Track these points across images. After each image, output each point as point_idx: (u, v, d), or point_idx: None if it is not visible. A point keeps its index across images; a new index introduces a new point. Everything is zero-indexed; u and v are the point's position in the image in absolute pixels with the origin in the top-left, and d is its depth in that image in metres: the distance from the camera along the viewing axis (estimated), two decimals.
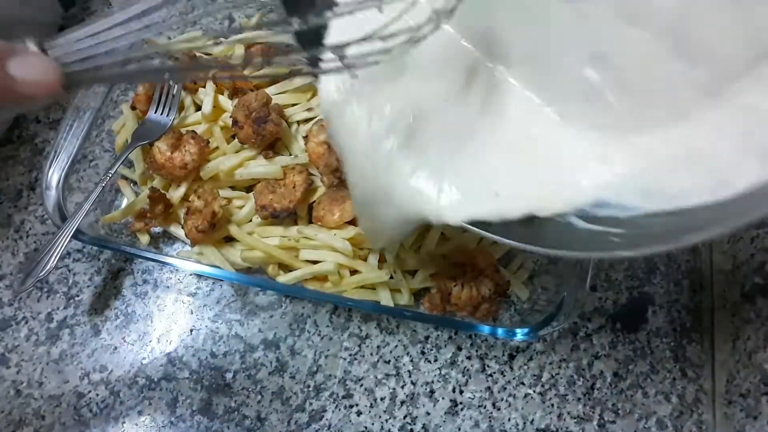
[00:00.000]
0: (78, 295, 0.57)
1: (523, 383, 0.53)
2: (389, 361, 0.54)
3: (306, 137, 0.58)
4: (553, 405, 0.53)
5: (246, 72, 0.29)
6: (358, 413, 0.52)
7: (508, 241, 0.34)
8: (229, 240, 0.56)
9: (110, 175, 0.55)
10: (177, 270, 0.57)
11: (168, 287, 0.57)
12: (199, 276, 0.57)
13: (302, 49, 0.35)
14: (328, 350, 0.54)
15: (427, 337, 0.55)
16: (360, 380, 0.53)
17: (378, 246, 0.50)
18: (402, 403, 0.52)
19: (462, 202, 0.35)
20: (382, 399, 0.53)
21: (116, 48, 0.29)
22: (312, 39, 0.35)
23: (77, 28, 0.29)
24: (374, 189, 0.37)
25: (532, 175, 0.34)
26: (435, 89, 0.37)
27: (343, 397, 0.53)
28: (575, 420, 0.52)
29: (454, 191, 0.35)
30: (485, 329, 0.50)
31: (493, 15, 0.36)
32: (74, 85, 0.29)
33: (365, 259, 0.54)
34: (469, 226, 0.35)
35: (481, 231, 0.34)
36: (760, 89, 0.28)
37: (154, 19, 0.29)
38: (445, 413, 0.52)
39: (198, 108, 0.63)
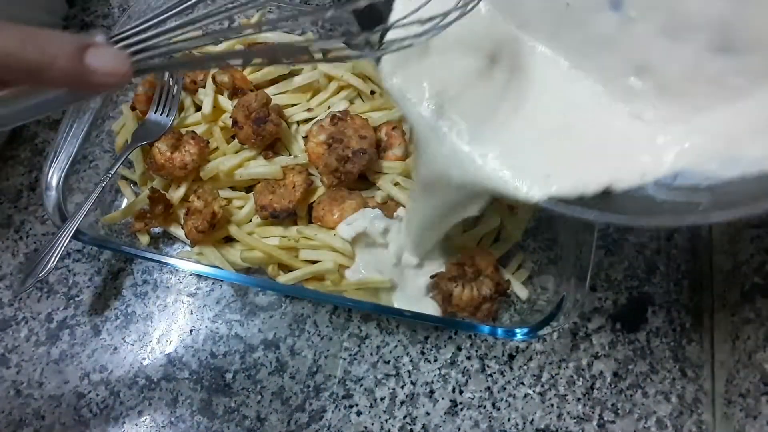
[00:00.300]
0: (78, 296, 0.57)
1: (522, 383, 0.53)
2: (389, 361, 0.54)
3: (306, 137, 0.58)
4: (552, 405, 0.53)
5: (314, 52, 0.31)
6: (358, 413, 0.52)
7: (589, 216, 0.35)
8: (229, 240, 0.56)
9: (110, 176, 0.55)
10: (177, 270, 0.57)
11: (168, 287, 0.57)
12: (199, 276, 0.57)
13: (361, 30, 0.39)
14: (328, 350, 0.54)
15: (427, 337, 0.55)
16: (360, 380, 0.53)
17: (421, 249, 0.52)
18: (402, 403, 0.52)
19: (539, 181, 0.36)
20: (382, 399, 0.53)
21: (177, 36, 0.31)
22: (371, 19, 0.38)
23: (139, 19, 0.31)
24: (440, 172, 0.40)
25: (602, 152, 0.36)
26: (470, 65, 0.39)
27: (343, 397, 0.53)
28: (575, 420, 0.52)
29: (530, 170, 0.37)
30: (485, 329, 0.50)
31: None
32: (142, 72, 0.31)
33: None
34: (548, 205, 0.36)
35: (560, 209, 0.36)
36: None
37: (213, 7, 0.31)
38: (445, 413, 0.52)
39: (198, 108, 0.63)
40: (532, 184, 0.36)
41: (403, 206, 0.56)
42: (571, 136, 0.37)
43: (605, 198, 0.35)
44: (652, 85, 0.35)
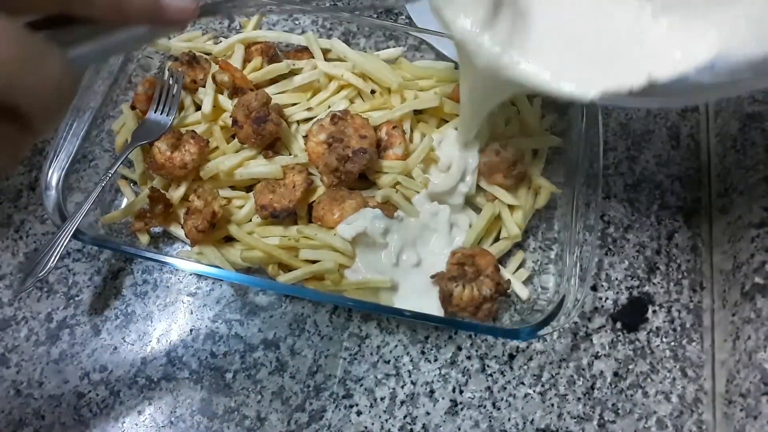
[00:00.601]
0: (78, 295, 0.57)
1: (523, 383, 0.53)
2: (389, 361, 0.54)
3: (306, 137, 0.58)
4: (553, 405, 0.53)
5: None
6: (358, 413, 0.52)
7: (647, 104, 0.40)
8: (229, 240, 0.56)
9: (110, 175, 0.55)
10: (177, 270, 0.57)
11: (168, 287, 0.57)
12: (199, 276, 0.57)
13: None
14: (328, 350, 0.54)
15: (427, 337, 0.55)
16: (360, 380, 0.53)
17: (470, 130, 0.56)
18: (402, 403, 0.52)
19: (589, 80, 0.40)
20: (382, 399, 0.53)
21: None
22: None
23: None
24: (488, 78, 0.45)
25: (646, 50, 0.39)
26: None
27: (343, 397, 0.53)
28: (575, 420, 0.52)
29: (578, 72, 0.41)
30: (485, 329, 0.50)
31: None
32: (206, 14, 0.34)
33: None
34: (604, 102, 0.40)
35: (617, 102, 0.40)
36: None
37: None
38: (445, 413, 0.52)
39: (198, 108, 0.63)
40: (583, 85, 0.40)
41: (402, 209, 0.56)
42: (608, 37, 0.41)
43: (653, 89, 0.38)
44: None
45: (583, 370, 0.54)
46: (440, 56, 0.68)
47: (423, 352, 0.54)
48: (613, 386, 0.54)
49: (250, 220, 0.57)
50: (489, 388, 0.53)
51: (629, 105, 0.39)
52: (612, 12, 0.41)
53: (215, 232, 0.54)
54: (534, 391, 0.53)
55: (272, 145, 0.59)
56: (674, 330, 0.56)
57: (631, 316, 0.57)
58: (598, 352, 0.55)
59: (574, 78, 0.40)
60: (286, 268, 0.55)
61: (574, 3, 0.42)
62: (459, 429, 0.52)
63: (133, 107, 0.62)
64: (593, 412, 0.53)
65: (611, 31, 0.41)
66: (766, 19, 0.34)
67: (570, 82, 0.40)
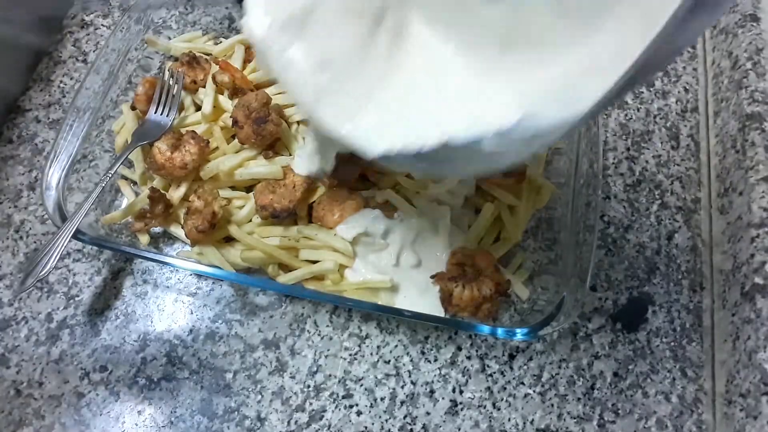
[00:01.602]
0: (78, 295, 0.57)
1: (523, 383, 0.53)
2: (389, 361, 0.54)
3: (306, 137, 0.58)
4: (553, 405, 0.53)
5: None
6: (358, 413, 0.52)
7: (416, 168, 0.37)
8: (229, 240, 0.56)
9: (110, 175, 0.55)
10: (177, 270, 0.57)
11: (168, 287, 0.57)
12: (199, 276, 0.57)
13: None
14: (328, 350, 0.54)
15: (427, 337, 0.55)
16: (360, 380, 0.53)
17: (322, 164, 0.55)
18: (402, 403, 0.52)
19: (382, 135, 0.38)
20: (382, 399, 0.53)
21: None
22: None
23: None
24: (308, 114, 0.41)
25: (445, 108, 0.37)
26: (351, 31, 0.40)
27: (343, 397, 0.53)
28: (575, 420, 0.52)
29: (373, 124, 0.38)
30: (485, 329, 0.50)
31: None
32: None
33: None
34: (383, 159, 0.38)
35: (393, 161, 0.37)
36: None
37: None
38: (445, 413, 0.52)
39: (198, 108, 0.63)
40: (374, 139, 0.38)
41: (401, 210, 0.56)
42: (419, 93, 0.39)
43: (443, 150, 0.35)
44: (498, 45, 0.36)
45: (583, 370, 0.54)
46: None
47: (423, 352, 0.54)
48: (613, 386, 0.54)
49: (250, 221, 0.57)
50: (489, 388, 0.53)
51: (419, 169, 0.39)
52: (419, 65, 0.39)
53: (215, 232, 0.54)
54: (534, 391, 0.53)
55: (272, 145, 0.59)
56: (674, 330, 0.56)
57: (631, 316, 0.57)
58: (598, 352, 0.55)
59: (364, 129, 0.38)
60: (286, 268, 0.55)
61: (378, 54, 0.40)
62: (459, 429, 0.52)
63: (133, 107, 0.62)
64: (593, 412, 0.53)
65: (415, 85, 0.39)
66: (573, 83, 0.32)
67: (358, 131, 0.38)
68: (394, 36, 0.40)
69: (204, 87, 0.62)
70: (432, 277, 0.53)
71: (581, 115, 0.30)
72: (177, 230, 0.57)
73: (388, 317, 0.55)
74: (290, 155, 0.59)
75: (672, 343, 0.56)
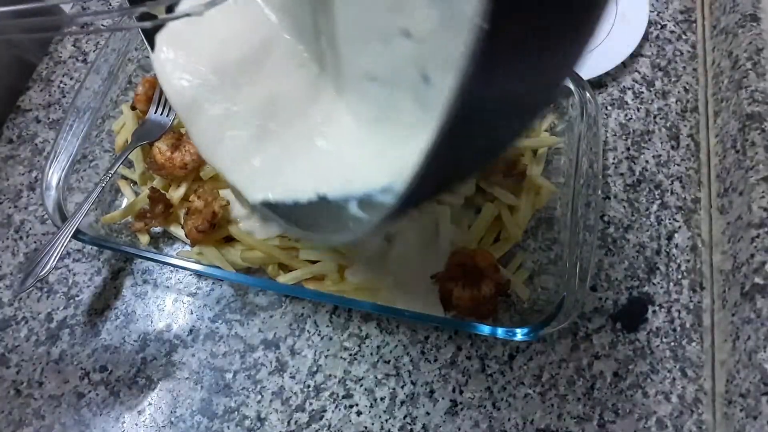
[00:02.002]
0: (78, 295, 0.57)
1: (523, 383, 0.53)
2: (389, 361, 0.54)
3: None
4: (553, 405, 0.53)
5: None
6: (358, 413, 0.52)
7: (289, 226, 0.38)
8: (229, 240, 0.56)
9: (110, 175, 0.55)
10: (177, 270, 0.57)
11: (168, 287, 0.57)
12: (199, 276, 0.57)
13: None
14: (328, 350, 0.54)
15: (427, 337, 0.55)
16: (360, 380, 0.53)
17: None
18: (402, 403, 0.52)
19: (264, 185, 0.40)
20: (382, 399, 0.53)
21: None
22: None
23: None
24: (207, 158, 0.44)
25: (325, 169, 0.39)
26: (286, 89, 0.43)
27: (343, 397, 0.53)
28: (575, 420, 0.52)
29: (258, 174, 0.41)
30: (485, 329, 0.50)
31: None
32: None
33: None
34: (263, 207, 0.40)
35: (270, 213, 0.39)
36: None
37: None
38: (445, 413, 0.52)
39: None
40: (257, 187, 0.40)
41: None
42: (305, 152, 0.41)
43: (315, 208, 0.37)
44: (376, 119, 0.39)
45: (583, 370, 0.54)
46: None
47: (423, 352, 0.54)
48: (613, 386, 0.54)
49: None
50: (489, 388, 0.53)
51: (291, 232, 0.42)
52: (316, 126, 0.41)
53: (215, 232, 0.54)
54: (534, 392, 0.53)
55: None
56: (674, 330, 0.56)
57: (631, 316, 0.57)
58: (598, 352, 0.55)
59: (249, 177, 0.41)
60: (286, 268, 0.55)
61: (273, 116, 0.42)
62: (459, 429, 0.52)
63: (133, 107, 0.62)
64: (593, 413, 0.53)
65: (305, 145, 0.41)
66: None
67: (243, 178, 0.41)
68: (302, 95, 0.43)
69: None
70: (432, 277, 0.53)
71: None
72: (177, 230, 0.57)
73: (388, 317, 0.55)
74: None
75: (672, 343, 0.56)
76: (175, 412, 0.52)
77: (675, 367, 0.55)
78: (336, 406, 0.52)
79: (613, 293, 0.58)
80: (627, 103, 0.69)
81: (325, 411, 0.52)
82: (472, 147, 0.25)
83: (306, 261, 0.54)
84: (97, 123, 0.59)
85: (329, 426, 0.52)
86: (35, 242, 0.59)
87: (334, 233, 0.36)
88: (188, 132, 0.44)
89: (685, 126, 0.68)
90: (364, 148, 0.39)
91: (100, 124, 0.60)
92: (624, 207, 0.62)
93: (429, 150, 0.22)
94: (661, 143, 0.67)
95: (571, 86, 0.61)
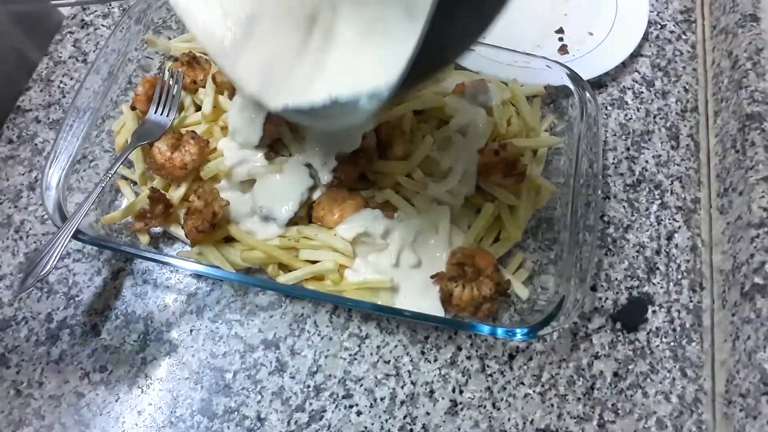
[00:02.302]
0: (78, 295, 0.57)
1: (523, 383, 0.53)
2: (389, 361, 0.54)
3: (305, 137, 0.58)
4: (553, 405, 0.53)
5: None
6: (358, 413, 0.52)
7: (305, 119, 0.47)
8: (229, 240, 0.56)
9: (110, 176, 0.55)
10: (177, 270, 0.57)
11: (168, 287, 0.57)
12: (199, 276, 0.57)
13: None
14: (328, 350, 0.54)
15: (427, 337, 0.55)
16: (360, 380, 0.53)
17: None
18: (402, 403, 0.52)
19: (280, 93, 0.46)
20: (382, 399, 0.53)
21: None
22: None
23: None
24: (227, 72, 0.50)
25: (333, 74, 0.46)
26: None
27: (343, 397, 0.53)
28: (575, 420, 0.52)
29: (276, 86, 0.47)
30: (485, 329, 0.50)
31: None
32: None
33: None
34: (284, 111, 0.46)
35: (292, 113, 0.46)
36: None
37: None
38: (445, 413, 0.52)
39: (198, 108, 0.63)
40: (275, 96, 0.46)
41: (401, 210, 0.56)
42: (315, 63, 0.47)
43: (327, 107, 0.43)
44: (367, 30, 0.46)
45: (583, 370, 0.54)
46: None
47: (423, 352, 0.54)
48: (613, 386, 0.54)
49: None
50: (489, 388, 0.53)
51: (306, 122, 0.49)
52: (300, 40, 0.48)
53: (215, 232, 0.54)
54: (534, 391, 0.53)
55: (272, 145, 0.59)
56: (674, 330, 0.56)
57: (630, 316, 0.57)
58: (597, 352, 0.55)
59: (267, 88, 0.46)
60: (286, 268, 0.55)
61: (280, 32, 0.48)
62: (459, 429, 0.52)
63: (133, 107, 0.62)
64: (593, 412, 0.53)
65: (299, 56, 0.47)
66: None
67: (262, 90, 0.46)
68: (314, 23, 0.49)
69: (204, 87, 0.62)
70: (432, 277, 0.53)
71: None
72: (177, 230, 0.57)
73: (388, 317, 0.55)
74: (290, 155, 0.59)
75: (672, 343, 0.56)
76: (175, 412, 0.52)
77: (675, 367, 0.55)
78: (336, 406, 0.52)
79: (613, 293, 0.58)
80: (627, 103, 0.69)
81: (325, 411, 0.52)
82: (455, 31, 0.34)
83: (306, 261, 0.54)
84: (97, 123, 0.59)
85: (329, 426, 0.52)
86: (35, 242, 0.59)
87: (342, 119, 0.44)
88: (210, 55, 0.49)
89: (685, 126, 0.68)
90: (364, 55, 0.45)
91: (100, 124, 0.60)
92: (624, 207, 0.62)
93: (420, 36, 0.30)
94: (661, 143, 0.67)
95: (571, 86, 0.61)
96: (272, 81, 0.47)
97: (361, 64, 0.45)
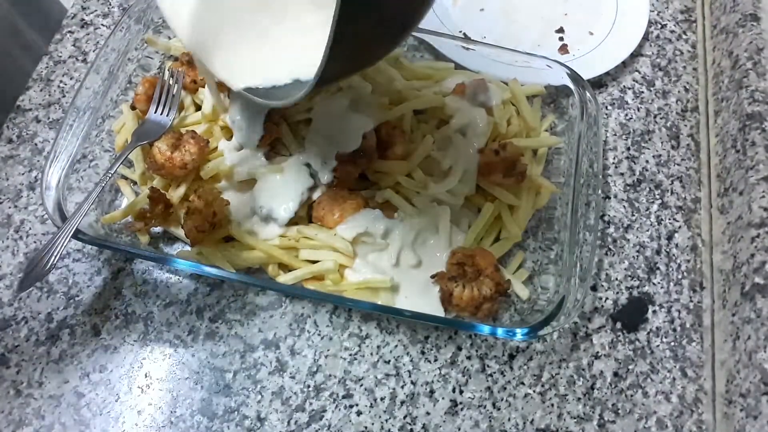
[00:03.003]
0: (78, 295, 0.57)
1: (523, 383, 0.53)
2: (389, 361, 0.54)
3: (305, 137, 0.58)
4: (553, 405, 0.53)
5: None
6: (358, 413, 0.52)
7: (256, 99, 0.48)
8: (229, 240, 0.56)
9: (110, 175, 0.55)
10: (177, 270, 0.57)
11: (168, 287, 0.57)
12: (199, 276, 0.57)
13: None
14: (328, 350, 0.54)
15: (427, 337, 0.55)
16: (360, 380, 0.53)
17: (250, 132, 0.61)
18: (402, 403, 0.52)
19: (244, 74, 0.50)
20: (382, 399, 0.53)
21: None
22: None
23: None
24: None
25: (297, 56, 0.48)
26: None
27: (343, 397, 0.53)
28: (575, 420, 0.52)
29: (239, 65, 0.50)
30: (485, 329, 0.50)
31: None
32: None
33: None
34: (245, 92, 0.49)
35: (250, 96, 0.49)
36: None
37: None
38: (445, 413, 0.52)
39: (198, 108, 0.63)
40: (240, 76, 0.49)
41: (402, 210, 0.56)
42: (280, 46, 0.51)
43: (289, 87, 0.47)
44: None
45: (583, 370, 0.54)
46: (440, 56, 0.68)
47: (423, 352, 0.54)
48: (613, 386, 0.54)
49: None
50: (489, 388, 0.53)
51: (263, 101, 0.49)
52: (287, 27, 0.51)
53: (215, 232, 0.54)
54: (534, 391, 0.53)
55: (272, 145, 0.59)
56: (674, 330, 0.56)
57: (631, 316, 0.57)
58: (598, 352, 0.55)
59: (233, 70, 0.50)
60: (286, 268, 0.55)
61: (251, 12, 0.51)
62: (459, 429, 0.52)
63: (133, 107, 0.62)
64: (593, 412, 0.53)
65: (278, 41, 0.51)
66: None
67: (227, 72, 0.50)
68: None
69: (204, 87, 0.62)
70: (432, 277, 0.53)
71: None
72: (177, 230, 0.57)
73: (388, 317, 0.55)
74: (290, 155, 0.59)
75: (672, 343, 0.56)
76: (175, 412, 0.52)
77: (675, 367, 0.55)
78: (336, 406, 0.52)
79: (613, 293, 0.58)
80: (627, 102, 0.69)
81: (325, 411, 0.52)
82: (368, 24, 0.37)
83: (306, 261, 0.54)
84: (97, 123, 0.59)
85: (329, 426, 0.52)
86: (35, 242, 0.59)
87: (287, 98, 0.45)
88: (181, 38, 0.53)
89: (686, 126, 0.68)
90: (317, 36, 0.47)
91: (100, 123, 0.60)
92: (624, 207, 0.62)
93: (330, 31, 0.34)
94: (662, 143, 0.67)
95: (572, 86, 0.61)
96: (239, 64, 0.50)
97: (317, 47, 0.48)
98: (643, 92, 0.70)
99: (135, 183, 0.60)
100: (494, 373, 0.54)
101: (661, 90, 0.70)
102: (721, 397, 0.52)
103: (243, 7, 0.52)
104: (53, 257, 0.50)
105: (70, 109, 0.57)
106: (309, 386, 0.53)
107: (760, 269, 0.52)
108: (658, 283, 0.58)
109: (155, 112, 0.60)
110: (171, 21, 0.53)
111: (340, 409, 0.52)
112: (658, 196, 0.63)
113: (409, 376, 0.53)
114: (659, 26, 0.75)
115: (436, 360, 0.54)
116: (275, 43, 0.51)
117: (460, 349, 0.55)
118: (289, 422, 0.52)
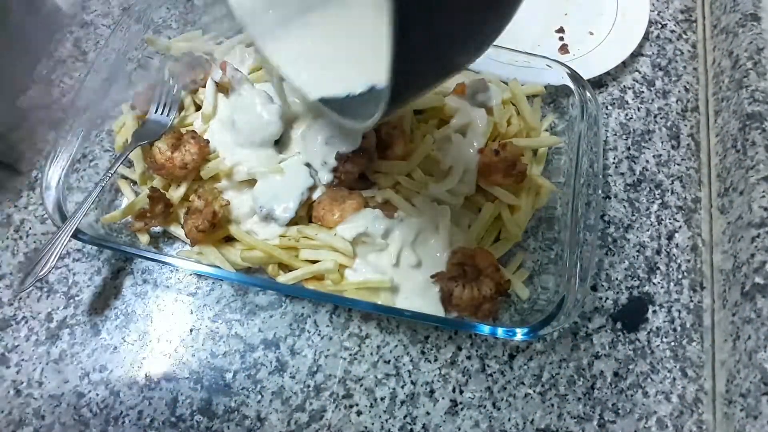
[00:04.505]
0: (78, 295, 0.57)
1: (523, 383, 0.53)
2: (389, 361, 0.54)
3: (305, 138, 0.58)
4: (553, 405, 0.53)
5: None
6: (358, 413, 0.52)
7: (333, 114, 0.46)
8: (229, 240, 0.56)
9: (110, 175, 0.55)
10: (177, 270, 0.57)
11: (168, 287, 0.57)
12: (199, 276, 0.57)
13: None
14: (328, 350, 0.54)
15: (427, 337, 0.55)
16: (360, 380, 0.53)
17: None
18: (402, 403, 0.52)
19: (320, 85, 0.48)
20: (382, 399, 0.53)
21: None
22: None
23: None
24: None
25: (369, 64, 0.44)
26: None
27: (343, 397, 0.53)
28: (575, 420, 0.52)
29: (314, 76, 0.49)
30: (485, 329, 0.50)
31: None
32: None
33: None
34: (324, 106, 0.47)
35: (323, 105, 0.47)
36: None
37: None
38: (445, 413, 0.52)
39: (198, 108, 0.63)
40: (314, 86, 0.48)
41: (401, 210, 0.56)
42: (346, 48, 0.48)
43: (365, 97, 0.43)
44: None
45: (583, 370, 0.54)
46: None
47: (423, 352, 0.54)
48: (613, 386, 0.54)
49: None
50: (489, 388, 0.53)
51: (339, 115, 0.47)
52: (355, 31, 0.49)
53: (215, 232, 0.54)
54: (534, 391, 0.53)
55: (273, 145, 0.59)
56: (674, 330, 0.56)
57: (631, 316, 0.57)
58: (598, 352, 0.55)
59: (309, 78, 0.48)
60: (286, 268, 0.55)
61: (326, 22, 0.49)
62: (459, 429, 0.52)
63: (133, 107, 0.62)
64: (593, 412, 0.53)
65: (350, 47, 0.48)
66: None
67: (305, 80, 0.49)
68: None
69: (204, 87, 0.62)
70: (432, 277, 0.53)
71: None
72: (177, 230, 0.57)
73: (388, 317, 0.55)
74: (290, 155, 0.59)
75: (672, 343, 0.56)
76: (175, 412, 0.52)
77: (675, 366, 0.55)
78: (336, 406, 0.52)
79: (614, 293, 0.58)
80: (627, 102, 0.69)
81: (325, 411, 0.52)
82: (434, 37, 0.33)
83: (306, 261, 0.54)
84: (97, 123, 0.59)
85: (329, 426, 0.52)
86: (35, 242, 0.59)
87: (364, 118, 0.41)
88: (255, 42, 0.52)
89: (686, 125, 0.68)
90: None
91: (100, 124, 0.60)
92: (624, 207, 0.62)
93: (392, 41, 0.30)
94: (662, 143, 0.66)
95: (572, 86, 0.61)
96: (315, 71, 0.48)
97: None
98: (643, 92, 0.70)
99: (135, 183, 0.60)
100: (494, 373, 0.54)
101: (661, 90, 0.70)
102: (721, 397, 0.52)
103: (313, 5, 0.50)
104: (53, 257, 0.50)
105: (70, 109, 0.57)
106: (309, 386, 0.53)
107: (760, 269, 0.52)
108: (659, 283, 0.58)
109: (155, 112, 0.60)
110: (241, 17, 0.52)
111: (340, 409, 0.52)
112: (658, 196, 0.63)
113: (409, 376, 0.53)
114: (659, 26, 0.75)
115: (436, 360, 0.54)
116: (345, 53, 0.48)
117: (460, 349, 0.55)
118: (289, 422, 0.52)
